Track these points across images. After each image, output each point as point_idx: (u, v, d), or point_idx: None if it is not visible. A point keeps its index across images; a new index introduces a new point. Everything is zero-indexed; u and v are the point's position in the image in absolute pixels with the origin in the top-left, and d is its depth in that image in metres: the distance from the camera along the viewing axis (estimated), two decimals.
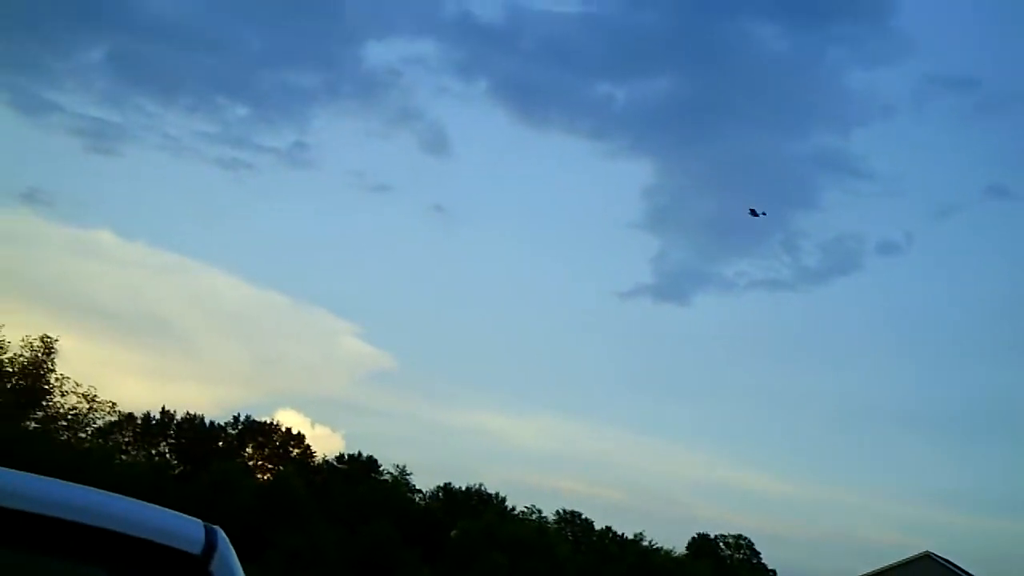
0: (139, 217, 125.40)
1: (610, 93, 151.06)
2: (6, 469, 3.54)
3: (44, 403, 75.44)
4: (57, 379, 74.82)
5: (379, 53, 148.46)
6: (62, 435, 72.16)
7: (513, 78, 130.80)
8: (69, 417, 75.56)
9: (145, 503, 3.85)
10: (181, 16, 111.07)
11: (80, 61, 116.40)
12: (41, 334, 74.50)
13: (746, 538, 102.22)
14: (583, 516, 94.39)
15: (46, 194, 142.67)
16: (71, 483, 3.81)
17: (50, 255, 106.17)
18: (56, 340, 74.63)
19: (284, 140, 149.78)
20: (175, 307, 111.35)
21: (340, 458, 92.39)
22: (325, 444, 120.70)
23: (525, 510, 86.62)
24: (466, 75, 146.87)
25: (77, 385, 74.82)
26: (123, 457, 77.36)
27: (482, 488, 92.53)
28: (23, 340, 74.04)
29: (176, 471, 79.33)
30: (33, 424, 72.26)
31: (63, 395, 75.26)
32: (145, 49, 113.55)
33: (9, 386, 74.06)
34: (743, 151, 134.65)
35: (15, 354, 74.16)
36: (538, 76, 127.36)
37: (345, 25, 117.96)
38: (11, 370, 74.55)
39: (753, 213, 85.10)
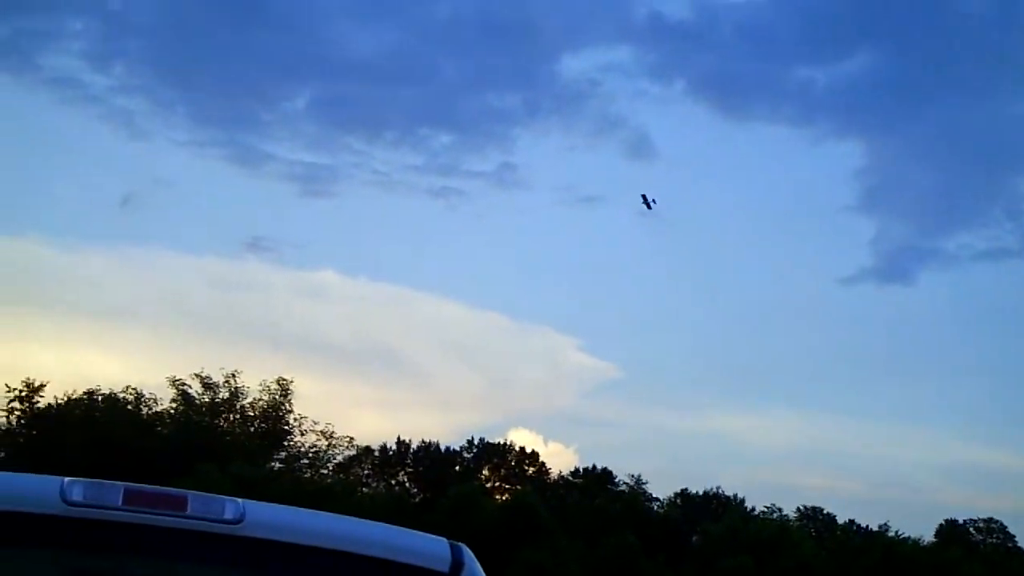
0: (358, 253, 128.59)
1: (810, 77, 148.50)
2: (259, 503, 3.76)
3: (285, 443, 78.03)
4: (296, 419, 77.37)
5: (575, 66, 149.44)
6: (305, 473, 74.47)
7: (710, 74, 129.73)
8: (310, 455, 77.97)
9: (390, 526, 4.02)
10: (377, 54, 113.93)
11: (287, 110, 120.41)
12: (277, 377, 77.15)
13: (997, 521, 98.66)
14: (825, 511, 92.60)
15: (269, 240, 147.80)
16: (319, 512, 4.03)
17: (278, 299, 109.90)
18: (291, 381, 77.20)
19: (491, 163, 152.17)
20: (401, 338, 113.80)
21: (575, 472, 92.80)
22: (559, 460, 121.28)
23: (765, 509, 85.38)
24: (663, 76, 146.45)
25: (315, 423, 77.19)
26: (364, 489, 79.36)
27: (720, 491, 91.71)
28: (261, 384, 76.81)
29: (416, 499, 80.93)
30: (277, 464, 74.81)
31: (302, 434, 77.76)
32: (346, 90, 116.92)
33: (252, 429, 76.87)
34: (955, 119, 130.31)
35: (255, 398, 77.00)
36: (735, 68, 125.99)
37: (539, 42, 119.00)
38: (252, 414, 77.39)
39: (645, 202, 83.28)
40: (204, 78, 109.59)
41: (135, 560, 3.66)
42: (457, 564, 3.78)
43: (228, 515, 3.57)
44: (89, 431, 67.02)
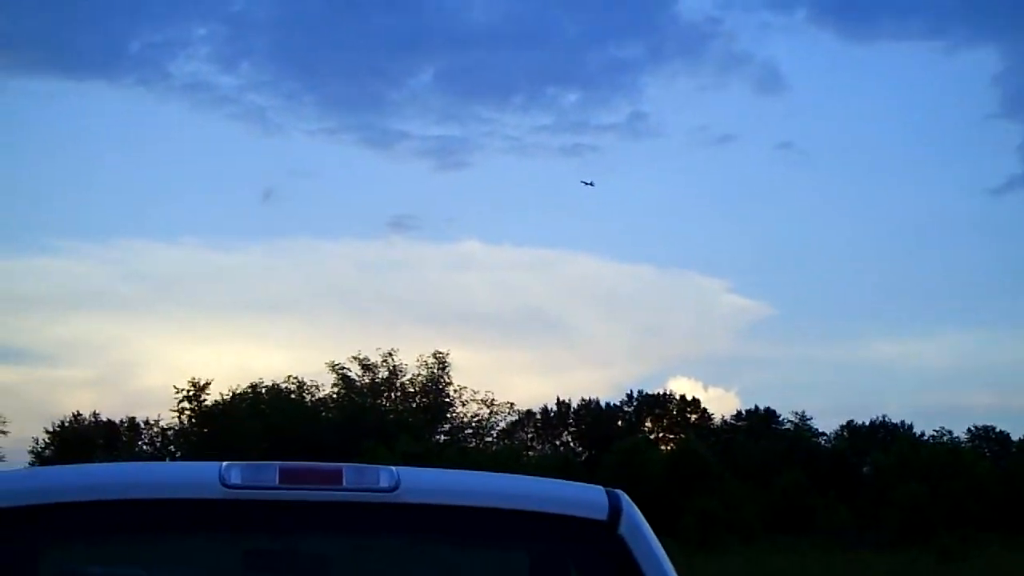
0: (499, 220, 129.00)
1: None
2: (414, 468, 3.80)
3: (448, 415, 79.13)
4: (455, 390, 78.50)
5: (694, 6, 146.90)
6: (470, 443, 75.44)
7: None
8: (473, 424, 79.03)
9: (543, 478, 4.04)
10: (496, 20, 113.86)
11: (414, 87, 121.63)
12: (433, 351, 78.31)
13: None
14: (997, 430, 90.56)
15: (411, 218, 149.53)
16: (472, 472, 4.06)
17: (426, 275, 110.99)
18: (447, 354, 78.34)
19: (620, 115, 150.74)
20: (551, 299, 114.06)
21: (738, 415, 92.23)
22: (721, 404, 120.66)
23: (935, 433, 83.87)
24: (783, 6, 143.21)
25: (475, 392, 78.25)
26: (529, 453, 80.00)
27: (886, 419, 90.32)
28: (418, 360, 78.02)
29: (582, 458, 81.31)
30: (442, 437, 75.91)
31: (463, 404, 78.88)
32: (469, 60, 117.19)
33: (414, 405, 78.06)
34: None
35: (414, 375, 78.22)
36: None
37: None
38: (413, 390, 78.60)
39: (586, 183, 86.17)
40: (328, 66, 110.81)
41: (295, 536, 3.75)
42: (615, 511, 3.76)
43: (383, 483, 3.62)
44: (257, 423, 68.75)
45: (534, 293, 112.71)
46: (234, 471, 3.55)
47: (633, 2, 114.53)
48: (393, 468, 3.68)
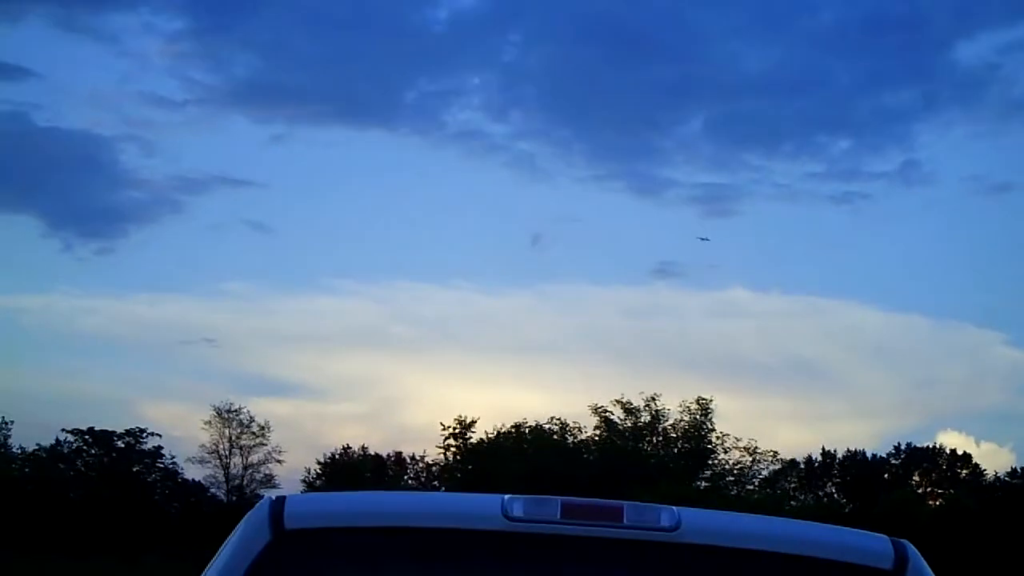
0: (766, 268, 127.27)
1: None
2: (694, 509, 3.75)
3: (710, 462, 78.25)
4: (718, 437, 77.62)
5: (972, 51, 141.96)
6: (731, 490, 74.37)
7: None
8: (735, 472, 77.90)
9: (827, 525, 3.93)
10: (767, 68, 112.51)
11: (683, 135, 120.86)
12: (696, 397, 77.72)
13: None
14: None
15: (676, 265, 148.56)
16: (754, 515, 3.98)
17: (691, 321, 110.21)
18: (711, 400, 77.63)
19: (892, 163, 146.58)
20: (817, 348, 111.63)
21: (1013, 472, 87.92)
22: (994, 460, 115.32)
23: None
24: None
25: (737, 440, 77.19)
26: (792, 503, 78.26)
27: None
28: (680, 405, 77.57)
29: (846, 509, 79.04)
30: (703, 483, 75.08)
31: (726, 451, 77.89)
32: (739, 108, 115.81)
33: (676, 450, 77.57)
34: None
35: (676, 420, 77.78)
36: None
37: (930, 33, 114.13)
38: (675, 435, 78.14)
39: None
40: (598, 114, 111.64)
41: (574, 571, 3.74)
42: (902, 560, 3.65)
43: (664, 523, 3.59)
44: (519, 462, 69.50)
45: (800, 341, 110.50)
46: (517, 504, 3.58)
47: (908, 49, 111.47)
48: (674, 508, 3.65)
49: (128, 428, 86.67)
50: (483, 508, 3.63)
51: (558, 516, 3.57)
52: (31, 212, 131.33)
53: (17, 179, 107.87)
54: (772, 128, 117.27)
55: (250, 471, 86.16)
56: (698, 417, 77.57)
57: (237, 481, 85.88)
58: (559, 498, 3.61)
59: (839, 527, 3.91)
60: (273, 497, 3.69)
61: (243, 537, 3.59)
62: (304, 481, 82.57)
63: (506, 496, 3.62)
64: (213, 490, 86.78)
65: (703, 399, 77.52)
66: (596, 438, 77.61)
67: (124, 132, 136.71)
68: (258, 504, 3.71)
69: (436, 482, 77.89)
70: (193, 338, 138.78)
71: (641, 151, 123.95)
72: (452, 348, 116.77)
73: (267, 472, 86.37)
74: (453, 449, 77.57)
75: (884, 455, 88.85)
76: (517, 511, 3.57)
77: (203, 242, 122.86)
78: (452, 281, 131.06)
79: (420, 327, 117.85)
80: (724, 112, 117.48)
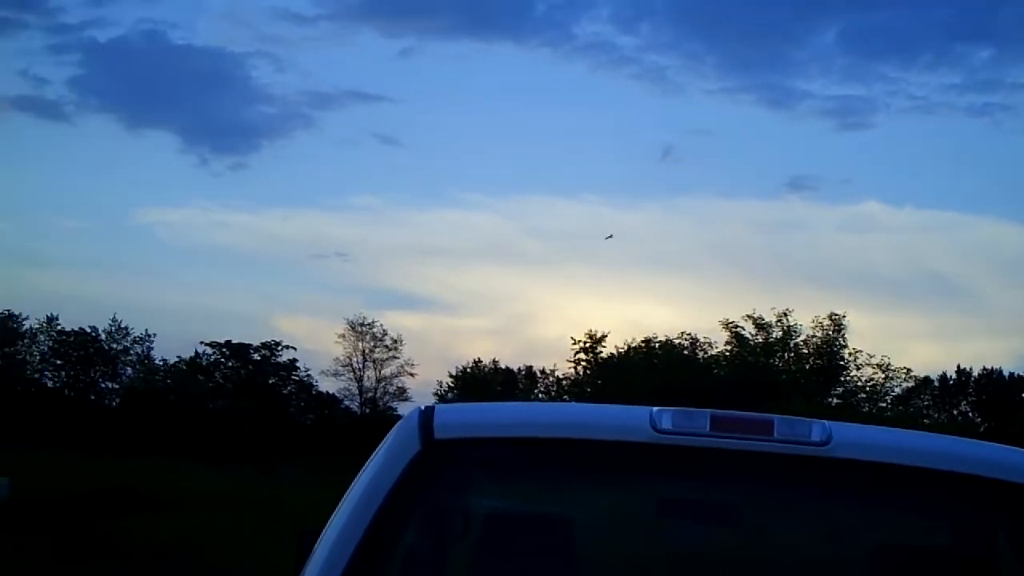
0: (902, 182, 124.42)
1: None
2: (845, 423, 3.69)
3: (841, 378, 77.41)
4: (850, 354, 76.65)
5: None
6: (863, 407, 73.50)
7: None
8: (867, 389, 76.92)
9: (987, 443, 3.84)
10: None
11: (817, 46, 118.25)
12: (828, 313, 76.76)
13: None
14: None
15: (809, 179, 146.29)
16: (909, 431, 3.90)
17: (824, 236, 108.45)
18: (844, 316, 76.59)
19: None
20: (952, 264, 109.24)
21: None
22: None
23: None
24: None
25: (870, 357, 76.11)
26: (925, 421, 77.18)
27: None
28: (813, 321, 76.70)
29: (981, 428, 77.73)
30: (834, 400, 74.34)
31: (858, 368, 76.91)
32: (876, 17, 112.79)
33: (807, 366, 76.86)
34: None
35: (808, 336, 76.98)
36: None
37: None
38: (806, 351, 77.38)
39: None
40: (729, 26, 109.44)
41: (720, 485, 3.75)
42: None
43: (815, 437, 3.54)
44: (649, 377, 69.51)
45: (935, 257, 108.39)
46: (665, 416, 3.55)
47: None
48: (825, 422, 3.59)
49: (264, 341, 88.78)
50: (631, 420, 3.61)
51: (707, 429, 3.54)
52: (168, 128, 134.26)
53: (154, 96, 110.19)
54: (909, 38, 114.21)
55: (383, 384, 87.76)
56: (830, 333, 76.65)
57: (370, 394, 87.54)
58: (708, 411, 3.58)
59: (1002, 445, 3.80)
60: (422, 407, 3.71)
61: (392, 447, 3.62)
62: (436, 394, 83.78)
63: (654, 408, 3.60)
64: (347, 402, 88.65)
65: (835, 315, 76.57)
66: (727, 354, 77.22)
67: (256, 48, 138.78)
68: (407, 414, 3.74)
69: (566, 396, 78.30)
70: (325, 252, 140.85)
71: (773, 63, 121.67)
72: (582, 262, 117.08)
73: (399, 385, 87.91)
74: (583, 364, 77.93)
75: (1021, 374, 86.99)
76: (665, 423, 3.54)
77: (334, 156, 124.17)
78: (581, 195, 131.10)
79: (550, 241, 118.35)
80: (859, 22, 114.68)
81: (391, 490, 3.47)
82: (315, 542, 3.69)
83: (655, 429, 3.54)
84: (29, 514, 26.37)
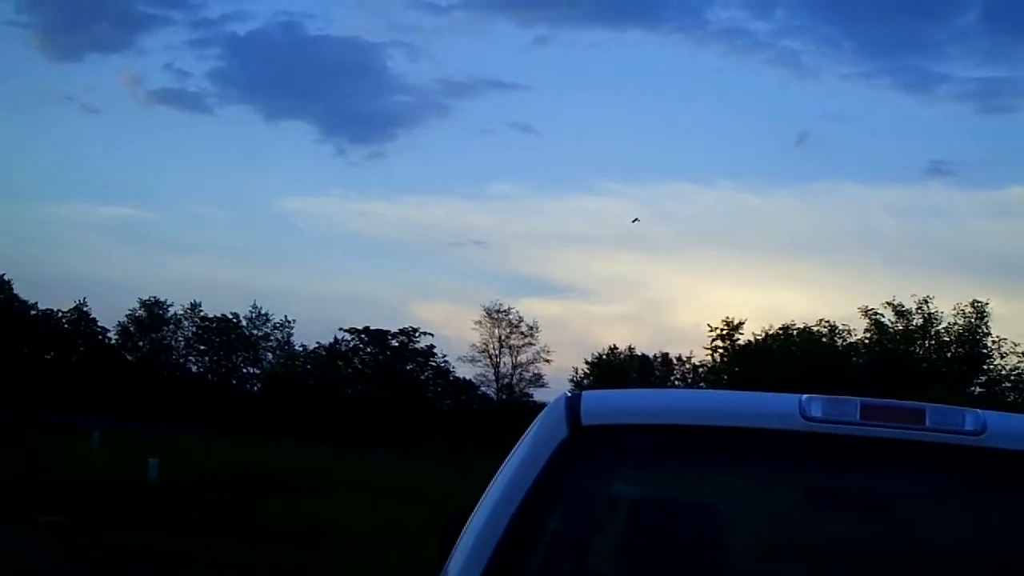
0: None
1: None
2: (999, 413, 3.61)
3: (985, 367, 75.58)
4: (994, 341, 74.79)
5: None
6: (1007, 396, 71.71)
7: None
8: (1012, 378, 75.00)
9: None
10: None
11: (959, 25, 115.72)
12: (971, 299, 74.99)
13: None
14: None
15: (949, 164, 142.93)
16: None
17: (965, 221, 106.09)
18: (987, 303, 74.76)
19: None
20: None
21: None
22: None
23: None
24: None
25: (1015, 345, 74.17)
26: None
27: None
28: (954, 308, 75.00)
29: None
30: (977, 389, 72.65)
31: (1002, 357, 74.99)
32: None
33: (949, 354, 75.23)
34: None
35: (949, 323, 75.32)
36: None
37: None
38: (948, 339, 75.72)
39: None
40: (866, 8, 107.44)
41: (870, 474, 3.69)
42: None
43: (968, 426, 3.48)
44: (786, 365, 68.70)
45: None
46: (815, 404, 3.52)
47: None
48: (978, 411, 3.52)
49: (402, 327, 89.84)
50: (780, 407, 3.58)
51: (857, 417, 3.49)
52: (306, 119, 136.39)
53: (292, 87, 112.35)
54: None
55: (519, 370, 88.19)
56: (973, 321, 74.84)
57: (506, 380, 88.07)
58: (858, 399, 3.53)
59: None
60: (569, 393, 3.72)
61: (539, 433, 3.64)
62: (572, 381, 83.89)
63: (803, 396, 3.57)
64: (483, 388, 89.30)
65: (978, 302, 74.72)
66: (866, 341, 75.95)
67: (391, 38, 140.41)
68: (553, 401, 3.76)
69: (702, 384, 77.81)
70: (462, 240, 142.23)
71: (912, 44, 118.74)
72: (717, 249, 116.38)
73: (536, 371, 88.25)
74: (720, 351, 77.30)
75: None
76: (815, 411, 3.51)
77: (470, 145, 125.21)
78: (716, 181, 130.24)
79: (685, 227, 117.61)
80: (1002, 2, 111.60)
81: (538, 476, 3.49)
82: (460, 526, 3.72)
83: (804, 417, 3.50)
84: (176, 494, 27.10)
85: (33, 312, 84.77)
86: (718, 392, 3.89)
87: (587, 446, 3.57)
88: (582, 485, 3.72)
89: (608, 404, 3.77)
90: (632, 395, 4.12)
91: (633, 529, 3.80)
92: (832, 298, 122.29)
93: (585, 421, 3.58)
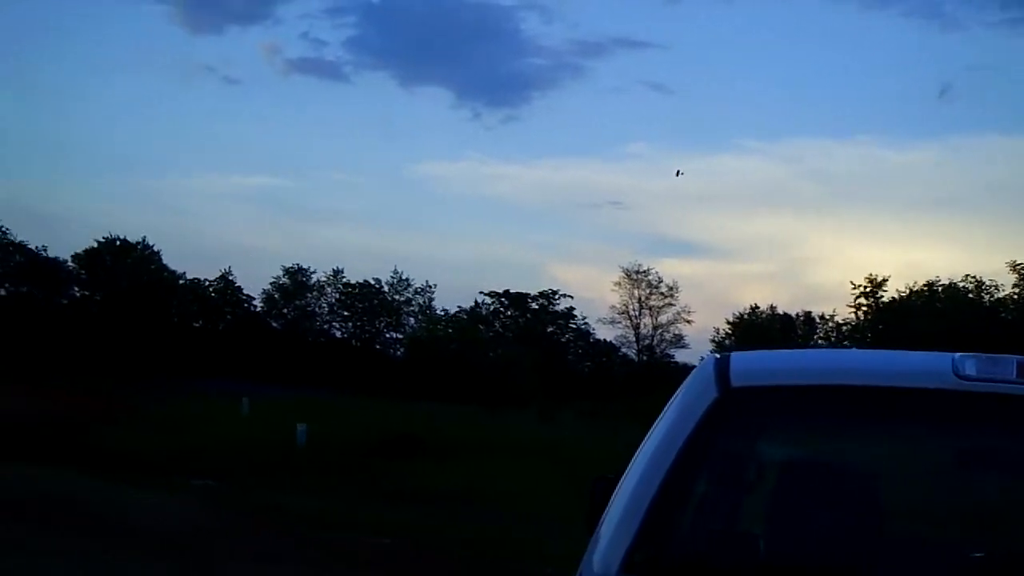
0: None
1: None
2: None
3: None
4: None
5: None
6: None
7: None
8: None
9: None
10: None
11: None
12: None
13: None
14: None
15: None
16: None
17: None
18: None
19: None
20: None
21: None
22: None
23: None
24: None
25: None
26: None
27: None
28: None
29: None
30: None
31: None
32: None
33: None
34: None
35: None
36: None
37: None
38: None
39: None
40: None
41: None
42: None
43: None
44: (931, 321, 67.37)
45: None
46: (969, 362, 3.47)
47: None
48: None
49: (541, 290, 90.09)
50: (933, 366, 3.54)
51: (1014, 375, 3.44)
52: (441, 84, 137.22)
53: (427, 53, 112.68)
54: None
55: (659, 331, 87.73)
56: None
57: (647, 341, 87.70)
58: (1014, 357, 3.47)
59: None
60: (718, 355, 3.72)
61: (688, 395, 3.65)
62: (713, 341, 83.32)
63: (956, 354, 3.52)
64: (624, 350, 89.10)
65: None
66: (1014, 297, 74.02)
67: (523, 0, 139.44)
68: (702, 362, 3.76)
69: (846, 343, 76.68)
70: (599, 201, 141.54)
71: None
72: (859, 205, 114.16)
73: (676, 332, 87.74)
74: (864, 308, 76.06)
75: None
76: (969, 370, 3.46)
77: (605, 105, 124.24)
78: (856, 136, 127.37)
79: (826, 184, 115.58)
80: None
81: (688, 438, 3.51)
82: (608, 489, 3.75)
83: (958, 376, 3.46)
84: (324, 458, 27.64)
85: (181, 282, 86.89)
86: (868, 351, 3.83)
87: (736, 408, 3.57)
88: (732, 447, 3.73)
89: (757, 365, 3.76)
90: (780, 356, 4.09)
91: (784, 491, 3.79)
92: (978, 253, 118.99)
93: (734, 383, 3.58)
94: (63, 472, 22.46)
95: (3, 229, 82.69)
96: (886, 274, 77.01)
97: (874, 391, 3.55)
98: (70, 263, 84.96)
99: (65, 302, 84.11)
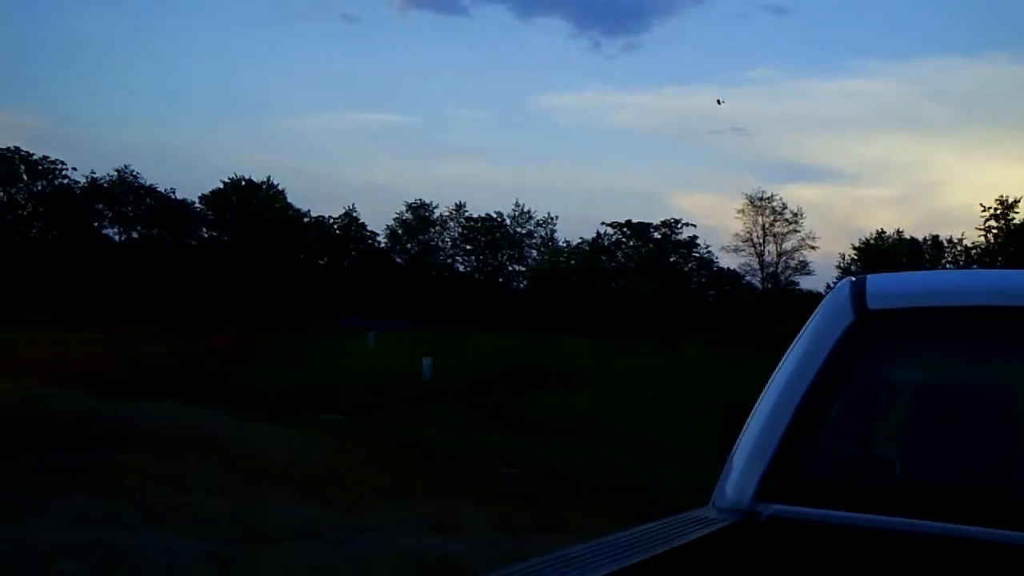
0: None
1: None
2: None
3: None
4: None
5: None
6: None
7: None
8: None
9: None
10: None
11: None
12: None
13: None
14: None
15: None
16: None
17: None
18: None
19: None
20: None
21: None
22: None
23: None
24: None
25: None
26: None
27: None
28: None
29: None
30: None
31: None
32: None
33: None
34: None
35: None
36: None
37: None
38: None
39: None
40: None
41: None
42: None
43: None
44: None
45: None
46: None
47: None
48: None
49: (663, 220, 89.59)
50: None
51: None
52: (559, 14, 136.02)
53: None
54: None
55: (784, 258, 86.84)
56: None
57: (771, 268, 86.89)
58: None
59: None
60: (853, 278, 3.66)
61: (823, 319, 3.60)
62: (838, 267, 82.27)
63: None
64: (748, 278, 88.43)
65: None
66: None
67: None
68: (837, 286, 3.71)
69: (975, 266, 75.10)
70: (721, 128, 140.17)
71: None
72: (989, 125, 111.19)
73: (801, 259, 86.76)
74: (994, 231, 74.34)
75: None
76: None
77: (725, 31, 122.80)
78: (985, 53, 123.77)
79: (953, 104, 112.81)
80: None
81: (823, 363, 3.46)
82: (741, 416, 3.72)
83: None
84: (450, 390, 27.93)
85: (306, 219, 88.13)
86: (1007, 272, 3.72)
87: (873, 331, 3.52)
88: (868, 371, 3.67)
89: (894, 287, 3.69)
90: (917, 277, 4.02)
91: (919, 415, 3.73)
92: None
93: (871, 305, 3.52)
94: (203, 410, 23.06)
95: (133, 173, 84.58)
96: (1017, 196, 75.11)
97: (1014, 311, 3.46)
98: (198, 204, 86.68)
99: (194, 243, 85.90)
